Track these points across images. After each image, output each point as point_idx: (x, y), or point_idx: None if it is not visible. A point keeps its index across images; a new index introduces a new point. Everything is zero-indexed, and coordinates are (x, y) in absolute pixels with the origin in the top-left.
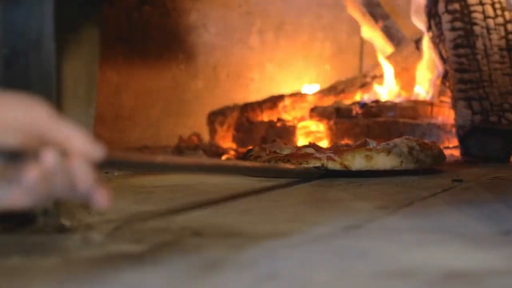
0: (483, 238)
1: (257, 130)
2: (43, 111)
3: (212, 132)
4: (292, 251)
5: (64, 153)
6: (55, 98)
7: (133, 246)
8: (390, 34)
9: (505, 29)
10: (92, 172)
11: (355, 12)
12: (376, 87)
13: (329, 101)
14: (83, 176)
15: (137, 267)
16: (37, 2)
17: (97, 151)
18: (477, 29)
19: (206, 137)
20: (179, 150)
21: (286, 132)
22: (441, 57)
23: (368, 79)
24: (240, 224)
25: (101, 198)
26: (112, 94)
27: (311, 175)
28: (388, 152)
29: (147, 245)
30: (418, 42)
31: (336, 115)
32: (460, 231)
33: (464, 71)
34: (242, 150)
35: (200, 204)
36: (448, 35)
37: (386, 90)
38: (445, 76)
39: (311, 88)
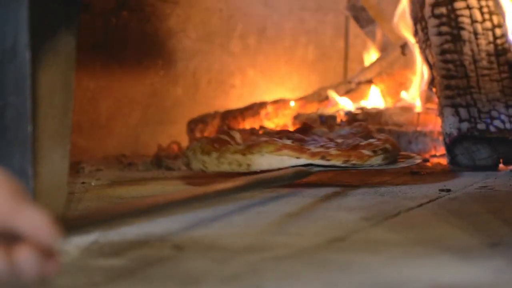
0: (471, 250)
1: None
2: (5, 193)
3: (192, 140)
4: (276, 264)
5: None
6: (31, 107)
7: (111, 260)
8: (376, 39)
9: (493, 34)
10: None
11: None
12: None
13: (312, 108)
14: (29, 269)
15: (115, 282)
16: (12, 9)
17: (53, 237)
18: (464, 34)
19: (186, 145)
20: (158, 159)
21: None
22: (428, 62)
23: (353, 85)
24: (222, 237)
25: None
26: (88, 101)
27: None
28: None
29: (125, 258)
30: (404, 47)
31: (320, 123)
32: (447, 243)
33: (451, 77)
34: None
35: (180, 215)
36: (435, 40)
37: (372, 96)
38: (431, 82)
39: (294, 94)
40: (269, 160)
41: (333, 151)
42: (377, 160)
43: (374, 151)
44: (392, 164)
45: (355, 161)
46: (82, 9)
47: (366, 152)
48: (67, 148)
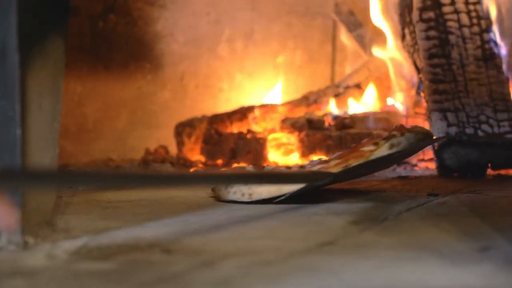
0: (460, 255)
1: (226, 142)
2: None
3: (180, 144)
4: (266, 268)
5: None
6: (20, 111)
7: (100, 263)
8: (363, 43)
9: (481, 38)
10: None
11: None
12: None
13: (300, 112)
14: None
15: (104, 286)
16: (0, 12)
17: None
18: (452, 38)
19: (173, 149)
20: (145, 163)
21: (256, 144)
22: (416, 67)
23: (341, 89)
24: (212, 241)
25: None
26: (75, 105)
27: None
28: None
29: (115, 262)
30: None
31: (308, 127)
32: (436, 247)
33: (439, 81)
34: (211, 163)
35: (169, 219)
36: (423, 44)
37: (360, 100)
38: (419, 87)
39: (282, 98)
40: (268, 189)
41: (332, 163)
42: (382, 152)
43: (376, 143)
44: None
45: (355, 162)
46: (69, 13)
47: (366, 148)
48: (55, 152)
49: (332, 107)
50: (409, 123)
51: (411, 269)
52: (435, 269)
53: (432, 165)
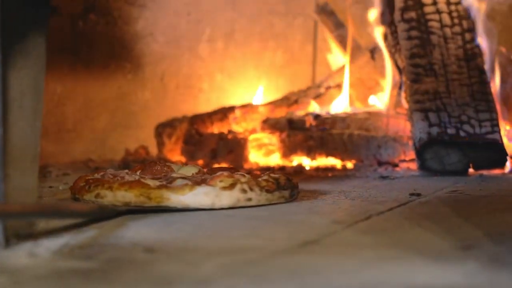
0: (442, 254)
1: (207, 142)
2: None
3: (160, 144)
4: (249, 267)
5: None
6: (1, 110)
7: (82, 262)
8: (345, 43)
9: (463, 38)
10: None
11: None
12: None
13: (281, 112)
14: None
15: (87, 285)
16: None
17: None
18: (434, 38)
19: (154, 150)
20: (125, 163)
21: (237, 145)
22: (397, 67)
23: (322, 90)
24: (194, 239)
25: None
26: (55, 105)
27: (103, 215)
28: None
29: (97, 261)
30: (373, 52)
31: (289, 127)
32: (419, 246)
33: (421, 81)
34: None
35: (152, 217)
36: (404, 44)
37: (341, 101)
38: (401, 87)
39: (262, 98)
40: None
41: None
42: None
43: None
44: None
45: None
46: (50, 12)
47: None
48: (37, 151)
49: (313, 107)
50: (391, 123)
51: (394, 268)
52: (418, 267)
53: (414, 166)
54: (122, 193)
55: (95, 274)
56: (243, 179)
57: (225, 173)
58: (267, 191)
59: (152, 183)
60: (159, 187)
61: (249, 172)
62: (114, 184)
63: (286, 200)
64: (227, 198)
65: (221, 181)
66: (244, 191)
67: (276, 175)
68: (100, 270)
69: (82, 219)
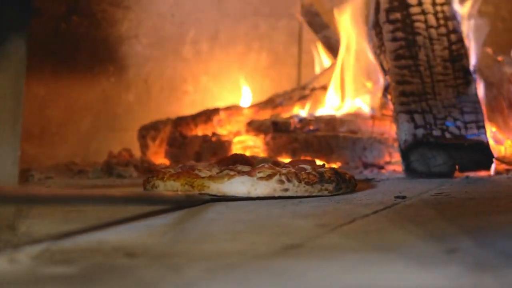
0: (427, 257)
1: (191, 145)
2: None
3: (144, 147)
4: (231, 272)
5: None
6: None
7: (62, 267)
8: (330, 44)
9: (448, 39)
10: None
11: None
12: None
13: (266, 114)
14: None
15: None
16: None
17: None
18: (419, 39)
19: (137, 152)
20: (109, 166)
21: (221, 147)
22: (383, 68)
23: (307, 92)
24: (176, 244)
25: None
26: (38, 108)
27: (193, 202)
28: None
29: (78, 266)
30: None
31: (274, 129)
32: (403, 249)
33: (406, 83)
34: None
35: (134, 222)
36: (389, 45)
37: (326, 102)
38: (386, 88)
39: (247, 101)
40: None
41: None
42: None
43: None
44: None
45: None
46: (32, 14)
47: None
48: (17, 154)
49: (298, 109)
50: (376, 125)
51: (377, 271)
52: (402, 271)
53: (399, 168)
54: (171, 183)
55: (75, 280)
56: (284, 171)
57: (267, 165)
58: (307, 183)
59: (204, 174)
60: (203, 177)
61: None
62: (166, 175)
63: (330, 193)
64: (263, 187)
65: (259, 171)
66: (281, 182)
67: (324, 169)
68: (80, 276)
69: (170, 206)
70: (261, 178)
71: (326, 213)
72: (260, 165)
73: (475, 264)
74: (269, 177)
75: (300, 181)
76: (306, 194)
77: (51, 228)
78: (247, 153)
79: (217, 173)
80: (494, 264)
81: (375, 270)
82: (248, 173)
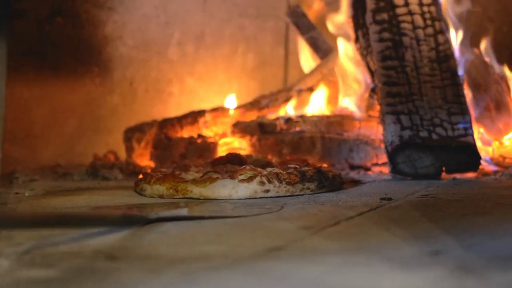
0: (411, 259)
1: (176, 147)
2: None
3: (129, 149)
4: (212, 275)
5: None
6: None
7: (43, 271)
8: (316, 45)
9: (435, 40)
10: None
11: None
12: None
13: (252, 116)
14: None
15: None
16: None
17: None
18: (406, 40)
19: (123, 154)
20: (94, 168)
21: (207, 149)
22: (369, 69)
23: (294, 93)
24: (157, 247)
25: None
26: (22, 110)
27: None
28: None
29: (58, 270)
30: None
31: (260, 131)
32: (387, 252)
33: (393, 84)
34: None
35: (114, 225)
36: (376, 46)
37: (312, 103)
38: (373, 89)
39: (233, 102)
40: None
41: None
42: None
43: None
44: None
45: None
46: (15, 15)
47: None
48: None
49: (284, 111)
50: (363, 126)
51: (360, 274)
52: (385, 273)
53: (386, 169)
54: (157, 186)
55: (55, 283)
56: (264, 172)
57: (248, 167)
58: (288, 183)
59: (190, 176)
60: (186, 181)
61: (307, 165)
62: (152, 179)
63: (312, 191)
64: (244, 190)
65: (241, 174)
66: (262, 183)
67: (307, 168)
68: (61, 279)
69: (109, 227)
70: (242, 181)
71: (310, 215)
72: (242, 167)
73: (458, 267)
74: (250, 179)
75: (281, 182)
76: (288, 194)
77: (32, 231)
78: None
79: (201, 177)
80: (477, 266)
81: (358, 272)
82: (230, 176)
